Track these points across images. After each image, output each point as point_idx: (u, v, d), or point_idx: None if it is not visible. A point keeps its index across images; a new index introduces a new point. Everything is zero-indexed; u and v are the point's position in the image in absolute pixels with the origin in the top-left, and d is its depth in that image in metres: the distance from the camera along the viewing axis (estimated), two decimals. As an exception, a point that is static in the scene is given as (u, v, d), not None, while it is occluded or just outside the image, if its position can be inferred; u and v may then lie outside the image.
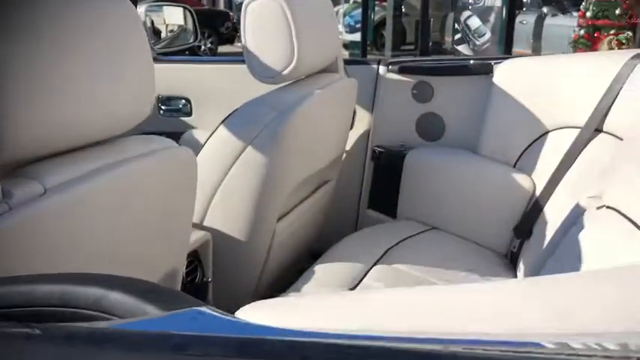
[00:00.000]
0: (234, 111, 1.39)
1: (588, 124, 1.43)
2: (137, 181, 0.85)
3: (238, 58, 1.93)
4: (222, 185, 1.37)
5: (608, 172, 0.96)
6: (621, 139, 1.30)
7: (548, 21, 8.16)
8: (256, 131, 1.34)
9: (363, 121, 1.90)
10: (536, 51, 8.46)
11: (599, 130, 1.41)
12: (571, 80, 1.53)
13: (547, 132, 1.58)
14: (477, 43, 8.02)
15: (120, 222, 0.83)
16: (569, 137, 1.49)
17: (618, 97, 1.37)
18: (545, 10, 8.45)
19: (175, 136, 2.02)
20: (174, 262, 1.01)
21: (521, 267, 1.53)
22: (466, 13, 7.78)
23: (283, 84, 1.46)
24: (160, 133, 2.05)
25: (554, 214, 1.44)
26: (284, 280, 1.68)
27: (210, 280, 1.40)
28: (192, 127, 2.07)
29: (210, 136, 1.40)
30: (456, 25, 8.01)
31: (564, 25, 7.60)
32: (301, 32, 1.37)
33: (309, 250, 1.84)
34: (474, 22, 7.73)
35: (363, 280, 1.42)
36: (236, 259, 1.43)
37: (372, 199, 1.93)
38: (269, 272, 1.52)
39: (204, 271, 1.40)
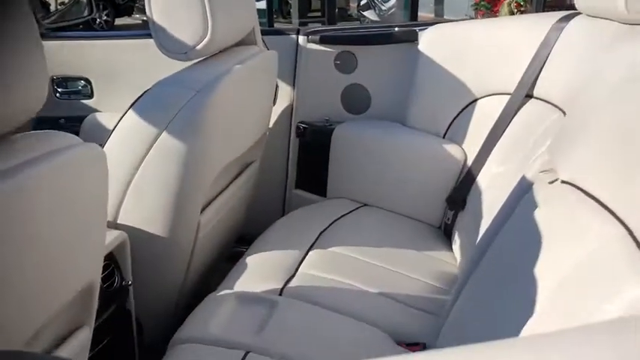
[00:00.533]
0: (144, 93, 1.24)
1: (518, 91, 1.40)
2: (37, 190, 0.70)
3: (143, 32, 1.75)
4: (135, 177, 1.22)
5: (558, 145, 0.92)
6: (554, 106, 1.27)
7: (450, -16, 8.30)
8: (171, 114, 1.20)
9: (285, 95, 1.78)
10: (439, 14, 8.62)
11: (529, 96, 1.38)
12: (498, 45, 1.49)
13: (476, 99, 1.54)
14: (383, 8, 8.03)
15: (20, 240, 0.68)
16: (498, 104, 1.45)
17: (547, 61, 1.34)
18: (446, -27, 8.57)
19: (76, 120, 1.81)
20: (90, 275, 0.87)
21: (456, 239, 1.50)
22: (371, -21, 7.76)
23: (197, 60, 1.32)
24: (59, 119, 1.85)
25: (489, 184, 1.41)
26: (213, 273, 1.56)
27: (130, 283, 1.25)
28: (95, 110, 1.87)
29: (119, 121, 1.24)
30: (361, -9, 7.98)
31: (465, -12, 7.74)
32: (215, 1, 1.22)
33: (236, 236, 1.73)
34: (379, -12, 7.73)
35: (300, 269, 1.33)
36: (158, 257, 1.29)
37: (300, 178, 1.83)
38: (196, 267, 1.40)
39: (122, 274, 1.25)
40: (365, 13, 8.14)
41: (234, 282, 1.28)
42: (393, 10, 7.88)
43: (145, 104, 1.22)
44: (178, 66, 1.31)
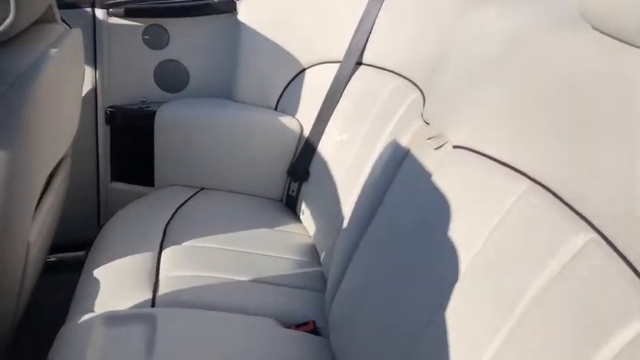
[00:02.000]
0: None
1: (347, 58, 1.44)
2: None
3: None
4: None
5: (438, 111, 0.96)
6: (391, 72, 1.33)
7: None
8: None
9: (86, 78, 1.55)
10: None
11: (360, 64, 1.42)
12: (320, 13, 1.50)
13: (304, 69, 1.54)
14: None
15: None
16: (329, 72, 1.47)
17: (374, 28, 1.39)
18: None
19: None
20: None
21: (304, 210, 1.51)
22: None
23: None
24: None
25: (334, 152, 1.43)
26: (37, 292, 1.32)
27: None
28: None
29: None
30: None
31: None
32: None
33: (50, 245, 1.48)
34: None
35: (161, 272, 1.20)
36: None
37: (116, 169, 1.64)
38: (26, 294, 1.17)
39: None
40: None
41: (91, 302, 1.10)
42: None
43: None
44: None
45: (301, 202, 1.53)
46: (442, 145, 0.93)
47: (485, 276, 0.76)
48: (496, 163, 0.81)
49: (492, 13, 0.96)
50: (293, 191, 1.55)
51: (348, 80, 1.43)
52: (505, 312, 0.70)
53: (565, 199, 0.70)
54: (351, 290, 1.05)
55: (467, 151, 0.87)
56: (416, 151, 0.99)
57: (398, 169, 1.03)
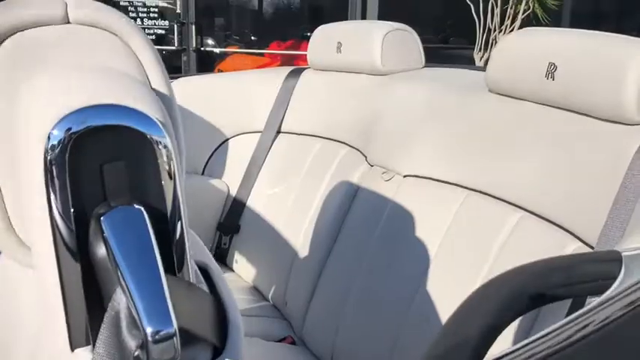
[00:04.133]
0: None
1: (268, 129, 1.75)
2: None
3: None
4: None
5: (385, 154, 1.32)
6: (313, 136, 1.67)
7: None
8: None
9: None
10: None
11: (279, 132, 1.75)
12: (240, 94, 1.80)
13: (227, 139, 1.80)
14: None
15: None
16: (251, 141, 1.77)
17: (290, 106, 1.73)
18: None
19: None
20: None
21: (238, 258, 1.72)
22: None
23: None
24: None
25: (266, 204, 1.68)
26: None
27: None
28: None
29: None
30: None
31: None
32: None
33: None
34: None
35: None
36: None
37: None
38: None
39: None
40: None
41: None
42: None
43: None
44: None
45: (233, 253, 1.74)
46: (392, 177, 1.29)
47: (452, 255, 1.12)
48: (441, 182, 1.20)
49: (409, 85, 1.39)
50: (225, 244, 1.76)
51: (271, 146, 1.74)
52: (477, 268, 1.06)
53: (497, 196, 1.11)
54: (324, 305, 1.32)
55: (416, 177, 1.25)
56: (368, 186, 1.34)
57: (352, 203, 1.37)
